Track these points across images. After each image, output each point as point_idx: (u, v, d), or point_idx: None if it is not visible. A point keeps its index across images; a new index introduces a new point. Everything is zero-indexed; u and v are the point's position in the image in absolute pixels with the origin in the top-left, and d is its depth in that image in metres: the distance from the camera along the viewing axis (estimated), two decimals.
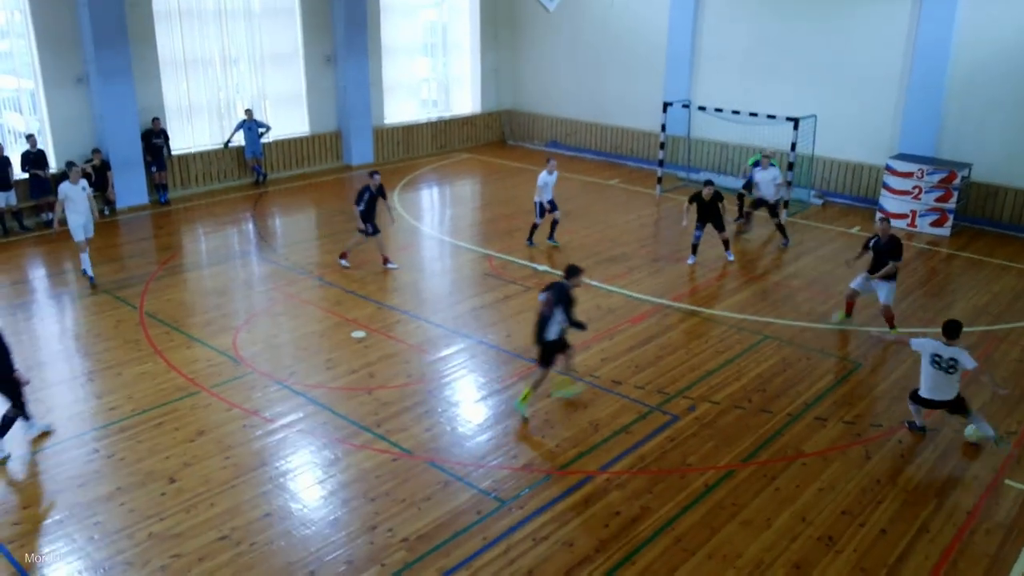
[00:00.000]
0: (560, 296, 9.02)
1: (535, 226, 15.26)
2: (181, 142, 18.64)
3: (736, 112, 18.27)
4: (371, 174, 13.96)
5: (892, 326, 11.55)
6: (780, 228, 15.66)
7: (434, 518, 7.52)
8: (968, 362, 8.54)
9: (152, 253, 14.84)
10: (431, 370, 10.44)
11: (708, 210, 14.21)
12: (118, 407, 9.39)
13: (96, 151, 16.87)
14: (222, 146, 19.15)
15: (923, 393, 8.85)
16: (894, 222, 16.65)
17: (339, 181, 20.27)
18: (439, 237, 15.87)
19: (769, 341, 11.40)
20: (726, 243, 14.73)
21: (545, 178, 14.72)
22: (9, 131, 16.67)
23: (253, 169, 19.62)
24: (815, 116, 17.92)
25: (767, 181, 15.42)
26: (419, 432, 8.96)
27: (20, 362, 10.37)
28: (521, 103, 24.99)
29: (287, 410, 9.37)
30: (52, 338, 11.42)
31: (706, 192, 14.11)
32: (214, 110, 19.34)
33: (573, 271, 9.29)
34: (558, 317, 8.99)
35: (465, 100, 24.76)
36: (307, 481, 8.11)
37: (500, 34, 24.50)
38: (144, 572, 6.82)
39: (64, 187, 12.93)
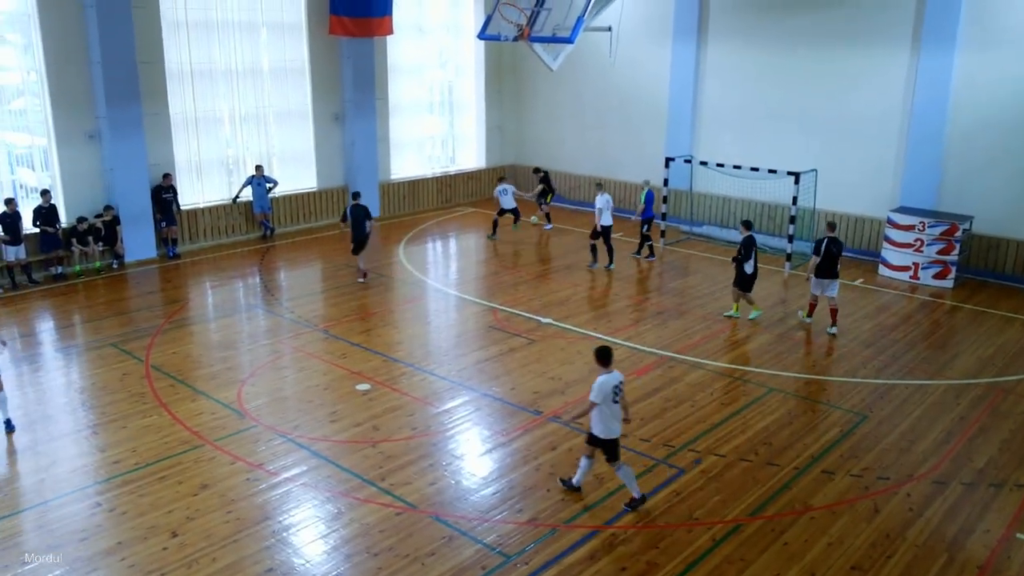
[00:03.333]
0: None
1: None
2: (190, 197, 18.89)
3: (737, 167, 18.49)
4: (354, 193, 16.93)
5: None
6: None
7: (438, 574, 7.43)
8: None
9: (159, 306, 14.93)
10: (436, 423, 10.41)
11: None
12: (122, 460, 9.36)
13: (108, 207, 17.12)
14: (230, 201, 19.40)
15: (605, 435, 8.29)
16: (897, 275, 16.79)
17: (346, 236, 20.40)
18: (444, 290, 15.94)
19: (774, 393, 11.37)
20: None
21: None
22: (21, 187, 16.93)
23: (261, 224, 19.83)
24: (815, 170, 18.12)
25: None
26: (423, 486, 8.90)
27: (24, 415, 10.43)
28: (525, 158, 25.31)
29: (291, 463, 9.34)
30: (58, 391, 11.42)
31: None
32: (223, 166, 19.65)
33: None
34: None
35: (470, 155, 25.12)
36: (310, 536, 8.05)
37: (504, 91, 24.97)
38: None
39: None
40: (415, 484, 8.92)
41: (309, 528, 8.16)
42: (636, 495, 8.47)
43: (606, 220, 16.93)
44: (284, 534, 8.03)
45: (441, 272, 18.03)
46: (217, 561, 7.57)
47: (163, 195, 17.82)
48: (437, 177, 23.94)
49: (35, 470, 9.21)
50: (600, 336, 13.35)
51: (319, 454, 9.54)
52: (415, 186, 23.29)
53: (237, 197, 19.38)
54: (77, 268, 16.71)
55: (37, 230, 16.15)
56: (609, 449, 8.38)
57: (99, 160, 17.22)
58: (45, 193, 16.23)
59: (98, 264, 16.98)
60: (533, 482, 9.01)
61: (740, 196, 19.94)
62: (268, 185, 19.49)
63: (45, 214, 16.14)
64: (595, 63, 22.32)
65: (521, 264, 17.82)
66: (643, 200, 17.98)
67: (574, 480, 8.73)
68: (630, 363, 12.36)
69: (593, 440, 8.42)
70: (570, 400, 11.00)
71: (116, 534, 7.99)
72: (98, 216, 17.03)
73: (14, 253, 15.71)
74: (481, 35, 19.21)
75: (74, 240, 16.58)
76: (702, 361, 12.47)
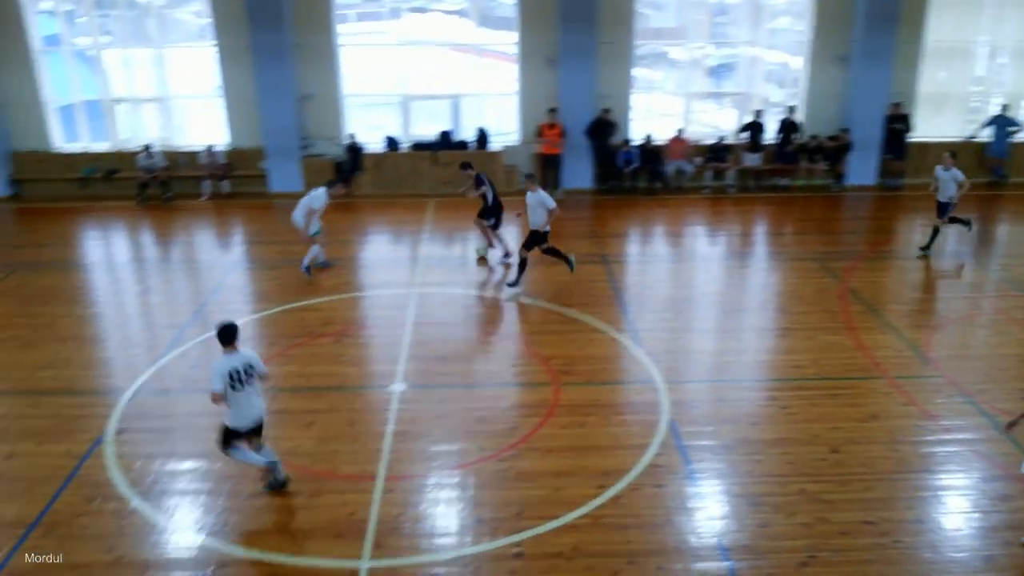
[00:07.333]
0: None
1: None
2: (923, 130, 18.24)
3: None
4: None
5: None
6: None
7: None
8: (261, 365, 7.25)
9: (865, 233, 15.12)
10: None
11: None
12: (802, 367, 9.99)
13: (844, 131, 17.71)
14: (964, 139, 18.13)
15: (236, 424, 7.21)
16: None
17: None
18: None
19: None
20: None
21: None
22: (766, 101, 18.54)
23: (992, 169, 18.15)
24: None
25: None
26: None
27: (726, 302, 11.85)
28: None
29: (966, 426, 8.74)
30: (757, 289, 12.67)
31: None
32: (966, 102, 18.52)
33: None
34: None
35: None
36: (966, 505, 7.52)
37: None
38: (788, 521, 7.25)
39: (318, 193, 12.45)
40: None
41: (969, 498, 7.63)
42: (281, 477, 7.54)
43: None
44: (941, 493, 7.67)
45: None
46: (870, 491, 7.65)
47: (892, 125, 17.56)
48: None
49: (723, 352, 10.48)
50: None
51: (1000, 427, 8.72)
52: None
53: (973, 136, 18.00)
54: (800, 182, 17.81)
55: (775, 143, 17.61)
56: (253, 433, 7.38)
57: (841, 83, 17.72)
58: (791, 109, 17.50)
59: (819, 182, 17.80)
60: None
61: None
62: (1010, 128, 17.60)
63: (786, 128, 17.44)
64: None
65: None
66: None
67: (279, 477, 7.54)
68: None
69: (231, 434, 7.26)
70: None
71: (781, 430, 8.66)
72: (830, 138, 17.72)
73: (752, 160, 17.51)
74: None
75: (803, 156, 17.64)
76: None
